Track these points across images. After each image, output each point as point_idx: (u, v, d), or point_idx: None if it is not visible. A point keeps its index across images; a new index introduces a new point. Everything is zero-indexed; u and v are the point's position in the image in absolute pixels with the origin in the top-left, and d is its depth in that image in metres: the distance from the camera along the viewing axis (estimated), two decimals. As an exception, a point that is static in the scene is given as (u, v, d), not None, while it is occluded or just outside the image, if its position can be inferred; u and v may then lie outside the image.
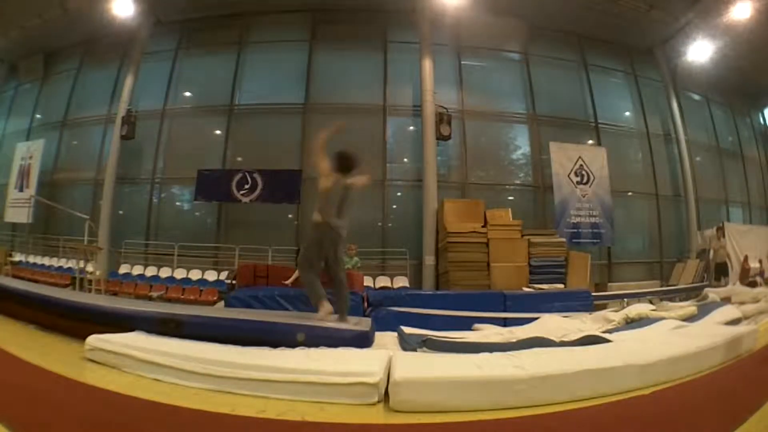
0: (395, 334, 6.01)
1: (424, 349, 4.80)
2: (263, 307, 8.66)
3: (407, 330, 6.03)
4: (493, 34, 18.83)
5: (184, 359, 3.74)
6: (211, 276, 16.54)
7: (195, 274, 16.64)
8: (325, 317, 5.69)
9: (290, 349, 4.38)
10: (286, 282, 10.64)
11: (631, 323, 6.22)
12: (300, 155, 17.33)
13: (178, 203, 19.35)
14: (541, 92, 19.03)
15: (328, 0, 18.55)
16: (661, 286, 16.87)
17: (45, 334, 5.14)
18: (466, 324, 7.41)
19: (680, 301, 9.96)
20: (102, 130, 19.59)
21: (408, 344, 5.10)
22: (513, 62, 19.71)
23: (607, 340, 4.85)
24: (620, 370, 3.58)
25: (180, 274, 16.69)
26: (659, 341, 4.78)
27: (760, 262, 15.99)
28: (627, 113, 20.57)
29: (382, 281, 16.17)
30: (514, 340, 5.19)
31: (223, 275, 15.94)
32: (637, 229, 19.83)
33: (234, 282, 12.69)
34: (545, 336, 5.39)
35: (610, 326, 6.26)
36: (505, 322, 8.01)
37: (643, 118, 20.29)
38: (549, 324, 6.75)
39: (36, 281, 13.65)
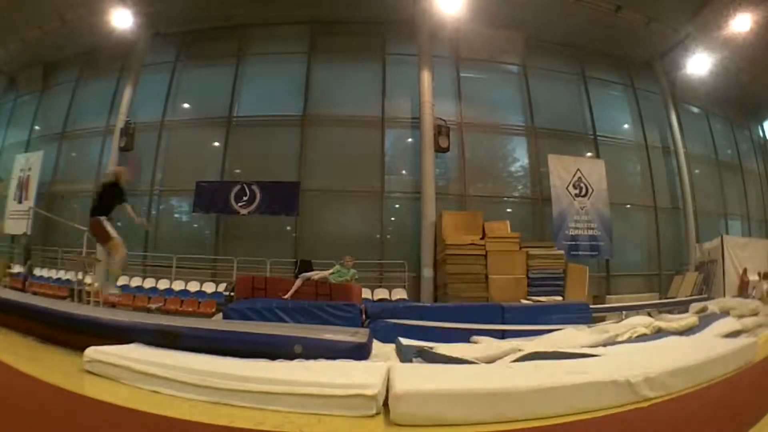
0: (393, 345, 6.00)
1: (420, 359, 4.80)
2: (261, 319, 8.66)
3: (405, 341, 6.03)
4: (492, 47, 18.92)
5: (183, 371, 3.73)
6: (209, 288, 16.52)
7: (193, 286, 16.61)
8: None
9: (288, 361, 4.36)
10: (285, 296, 10.65)
11: (641, 337, 6.19)
12: (298, 167, 17.40)
13: (176, 215, 19.34)
14: (540, 105, 19.08)
15: (326, 12, 18.59)
16: (660, 299, 16.84)
17: (43, 346, 5.12)
18: (464, 336, 7.40)
19: (679, 313, 9.95)
20: (101, 141, 19.64)
21: (405, 356, 5.10)
22: (512, 75, 19.78)
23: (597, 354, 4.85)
24: (620, 383, 3.56)
25: (178, 286, 16.66)
26: (659, 353, 4.77)
27: (759, 274, 15.99)
28: (626, 126, 20.63)
29: (381, 293, 16.14)
30: (510, 352, 5.19)
31: (222, 287, 15.91)
32: (636, 242, 19.80)
33: (232, 294, 12.68)
34: (547, 349, 5.39)
35: (613, 338, 6.24)
36: (503, 335, 8.01)
37: (641, 130, 20.33)
38: (561, 336, 6.74)
39: (34, 293, 13.63)
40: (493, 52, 19.17)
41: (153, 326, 5.13)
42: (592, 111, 19.66)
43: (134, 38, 19.00)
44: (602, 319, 11.14)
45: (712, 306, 8.13)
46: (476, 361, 4.68)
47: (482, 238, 14.81)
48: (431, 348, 5.37)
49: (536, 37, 19.19)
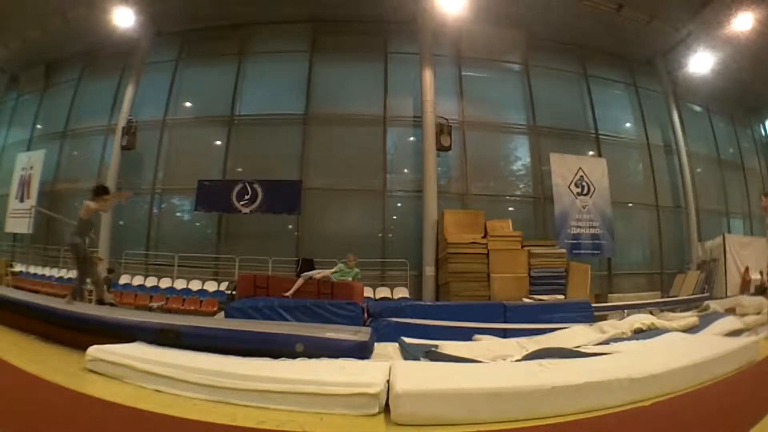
0: (396, 344, 5.99)
1: (426, 359, 4.79)
2: (263, 317, 8.67)
3: (408, 340, 6.01)
4: (494, 45, 18.89)
5: (185, 370, 3.73)
6: (211, 286, 16.54)
7: (195, 285, 16.63)
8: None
9: (290, 359, 4.36)
10: (287, 294, 10.66)
11: (639, 333, 6.17)
12: (300, 166, 17.42)
13: (178, 214, 19.34)
14: (542, 103, 19.06)
15: (328, 11, 18.57)
16: (662, 298, 16.82)
17: (45, 345, 5.12)
18: (467, 335, 7.39)
19: (681, 312, 9.93)
20: (102, 140, 19.66)
21: (410, 354, 5.09)
22: (513, 73, 19.76)
23: (607, 352, 4.84)
24: (622, 382, 3.55)
25: (180, 284, 16.68)
26: (661, 353, 4.76)
27: (761, 273, 15.95)
28: (627, 124, 20.61)
29: (383, 292, 16.15)
30: (516, 350, 5.18)
31: (223, 286, 15.93)
32: (638, 240, 19.79)
33: (234, 293, 12.70)
34: (555, 346, 5.38)
35: (615, 336, 6.22)
36: (505, 333, 7.99)
37: (643, 129, 20.31)
38: (563, 336, 6.73)
39: (36, 291, 13.64)
40: (494, 51, 19.15)
41: (155, 325, 5.13)
42: (594, 109, 19.64)
43: (136, 37, 18.98)
44: (604, 318, 11.12)
45: (714, 304, 8.10)
46: (483, 359, 4.68)
47: (484, 237, 14.80)
48: (437, 347, 5.36)
49: (538, 36, 19.17)
